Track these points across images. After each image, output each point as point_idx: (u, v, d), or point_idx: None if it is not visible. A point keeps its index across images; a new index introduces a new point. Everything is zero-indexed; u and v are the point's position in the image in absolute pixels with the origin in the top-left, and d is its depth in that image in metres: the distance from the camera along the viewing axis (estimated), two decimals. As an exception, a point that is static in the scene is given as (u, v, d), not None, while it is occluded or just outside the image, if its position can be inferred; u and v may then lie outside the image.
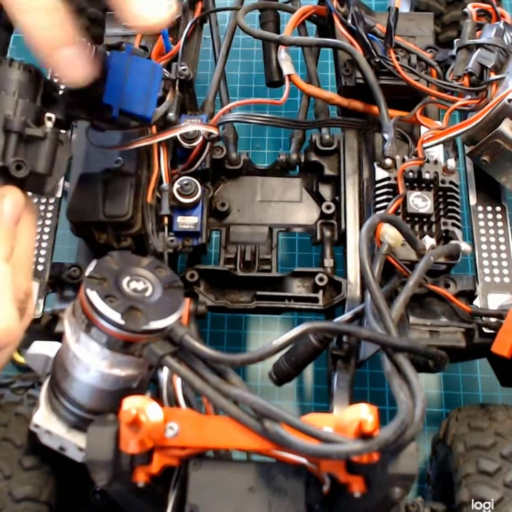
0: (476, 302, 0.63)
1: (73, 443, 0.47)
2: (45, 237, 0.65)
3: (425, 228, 0.61)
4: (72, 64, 0.45)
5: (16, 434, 0.52)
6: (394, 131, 0.64)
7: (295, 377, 0.60)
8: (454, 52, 0.68)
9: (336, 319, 0.60)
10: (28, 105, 0.47)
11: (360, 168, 0.70)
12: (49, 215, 0.67)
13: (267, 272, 0.68)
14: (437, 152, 0.67)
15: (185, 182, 0.65)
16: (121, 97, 0.51)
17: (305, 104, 0.78)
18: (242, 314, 0.84)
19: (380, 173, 0.63)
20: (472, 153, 0.65)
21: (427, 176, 0.62)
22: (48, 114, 0.47)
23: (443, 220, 0.61)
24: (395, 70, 0.66)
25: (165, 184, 0.64)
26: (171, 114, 0.67)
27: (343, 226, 0.68)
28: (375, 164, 0.64)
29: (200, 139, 0.66)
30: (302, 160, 0.73)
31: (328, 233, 0.70)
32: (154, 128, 0.63)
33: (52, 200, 0.68)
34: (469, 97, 0.65)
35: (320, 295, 0.66)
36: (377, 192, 0.63)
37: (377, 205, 0.62)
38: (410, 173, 0.62)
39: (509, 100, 0.60)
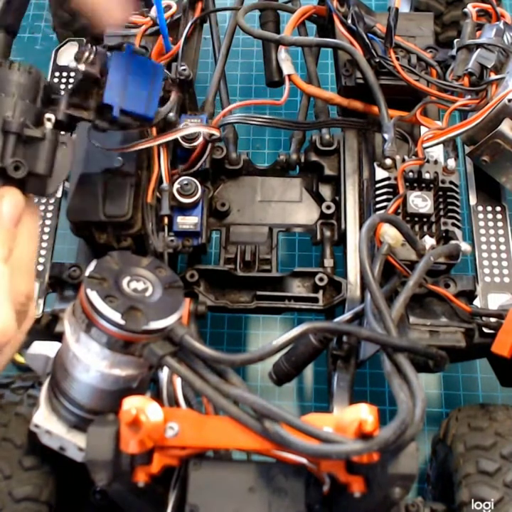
0: (476, 302, 0.63)
1: (73, 443, 0.47)
2: (45, 237, 0.65)
3: (425, 228, 0.61)
4: (114, 3, 0.46)
5: (16, 434, 0.52)
6: (394, 131, 0.64)
7: (295, 377, 0.60)
8: (454, 52, 0.68)
9: (336, 319, 0.60)
10: (27, 106, 0.47)
11: (360, 168, 0.70)
12: (49, 215, 0.67)
13: (267, 271, 0.68)
14: (437, 152, 0.67)
15: (185, 182, 0.64)
16: (122, 96, 0.51)
17: (305, 104, 0.78)
18: (242, 314, 0.84)
19: (380, 173, 0.63)
20: (472, 153, 0.65)
21: (427, 175, 0.62)
22: (47, 115, 0.47)
23: (443, 220, 0.61)
24: (395, 70, 0.66)
25: (165, 184, 0.64)
26: (171, 114, 0.67)
27: (343, 226, 0.68)
28: (375, 164, 0.64)
29: (201, 139, 0.66)
30: (302, 160, 0.73)
31: (328, 233, 0.70)
32: (154, 128, 0.63)
33: (52, 200, 0.68)
34: (469, 97, 0.65)
35: (320, 295, 0.66)
36: (377, 192, 0.63)
37: (377, 205, 0.62)
38: (410, 173, 0.62)
39: (509, 100, 0.60)
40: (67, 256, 0.70)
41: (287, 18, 0.74)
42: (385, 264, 0.56)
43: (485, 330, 0.60)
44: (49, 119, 0.47)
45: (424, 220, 0.61)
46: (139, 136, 0.62)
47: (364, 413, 0.39)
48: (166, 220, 0.64)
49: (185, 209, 0.65)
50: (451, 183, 0.62)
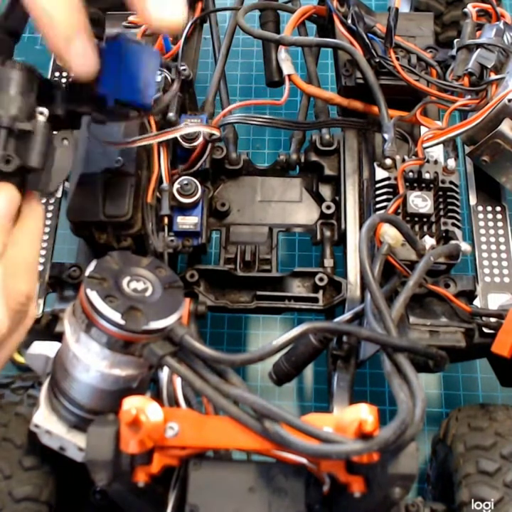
0: (476, 302, 0.63)
1: (73, 443, 0.47)
2: (45, 237, 0.65)
3: (425, 228, 0.61)
4: (84, 55, 0.45)
5: (16, 434, 0.52)
6: (394, 131, 0.64)
7: (295, 377, 0.60)
8: (454, 52, 0.68)
9: (336, 319, 0.60)
10: (20, 102, 0.46)
11: (360, 168, 0.70)
12: (49, 215, 0.67)
13: (267, 271, 0.68)
14: (437, 152, 0.67)
15: (185, 182, 0.64)
16: (116, 86, 0.50)
17: (305, 104, 0.78)
18: (242, 314, 0.84)
19: (380, 173, 0.63)
20: (472, 153, 0.65)
21: (427, 175, 0.62)
22: (39, 109, 0.47)
23: (443, 220, 0.61)
24: (395, 70, 0.66)
25: (165, 184, 0.64)
26: (171, 114, 0.67)
27: (343, 226, 0.68)
28: (375, 164, 0.64)
29: (201, 139, 0.66)
30: (302, 160, 0.73)
31: (328, 233, 0.70)
32: (153, 120, 0.63)
33: (52, 200, 0.68)
34: (469, 97, 0.65)
35: (320, 295, 0.66)
36: (377, 192, 0.63)
37: (377, 205, 0.62)
38: (410, 173, 0.62)
39: (509, 100, 0.60)
40: (67, 256, 0.70)
41: (287, 18, 0.74)
42: (385, 264, 0.56)
43: (485, 330, 0.60)
44: (41, 113, 0.47)
45: (424, 220, 0.61)
46: (139, 133, 0.62)
47: (364, 413, 0.39)
48: (166, 220, 0.64)
49: (185, 209, 0.65)
50: (451, 183, 0.62)
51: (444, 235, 0.60)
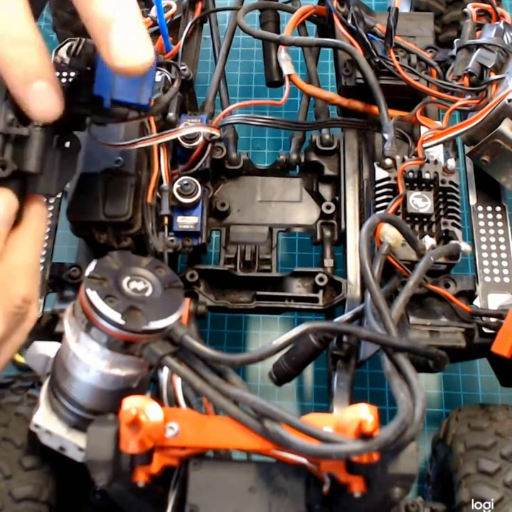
0: (476, 302, 0.63)
1: (73, 443, 0.47)
2: (45, 237, 0.65)
3: (425, 228, 0.61)
4: (43, 99, 0.43)
5: (15, 434, 0.52)
6: (394, 131, 0.64)
7: (295, 377, 0.60)
8: (454, 52, 0.68)
9: (336, 319, 0.60)
10: (16, 106, 0.46)
11: (360, 168, 0.70)
12: (49, 215, 0.67)
13: (267, 271, 0.68)
14: (437, 152, 0.67)
15: (185, 182, 0.65)
16: (112, 86, 0.50)
17: (305, 104, 0.78)
18: (242, 314, 0.84)
19: (380, 173, 0.63)
20: (472, 153, 0.65)
21: (427, 176, 0.62)
22: None
23: (443, 220, 0.61)
24: (395, 70, 0.66)
25: (165, 184, 0.64)
26: (171, 114, 0.67)
27: (343, 226, 0.68)
28: (375, 164, 0.64)
29: (201, 139, 0.66)
30: (302, 160, 0.73)
31: (328, 233, 0.70)
32: (153, 121, 0.63)
33: (52, 200, 0.68)
34: (469, 97, 0.65)
35: (320, 295, 0.66)
36: (377, 192, 0.63)
37: (377, 205, 0.62)
38: (410, 173, 0.62)
39: (509, 100, 0.60)
40: (67, 256, 0.70)
41: (287, 18, 0.74)
42: (385, 264, 0.56)
43: (485, 330, 0.60)
44: None
45: (424, 220, 0.61)
46: (139, 134, 0.62)
47: (364, 413, 0.39)
48: (166, 220, 0.64)
49: (185, 209, 0.65)
50: (451, 183, 0.62)
51: (444, 235, 0.60)
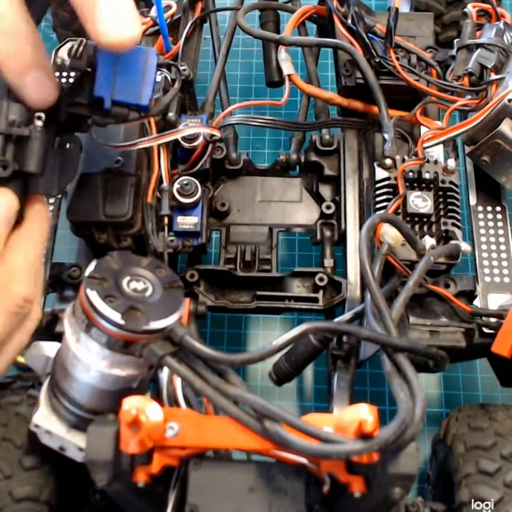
0: (476, 302, 0.63)
1: (73, 443, 0.47)
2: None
3: (425, 228, 0.61)
4: (38, 87, 0.44)
5: (16, 434, 0.52)
6: (394, 131, 0.64)
7: (295, 377, 0.60)
8: (454, 52, 0.68)
9: (336, 319, 0.60)
10: (17, 107, 0.46)
11: (360, 168, 0.70)
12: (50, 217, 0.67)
13: (267, 271, 0.68)
14: (437, 152, 0.67)
15: (185, 182, 0.65)
16: (112, 87, 0.50)
17: (305, 104, 0.78)
18: (242, 314, 0.84)
19: (380, 173, 0.63)
20: (472, 153, 0.65)
21: (427, 175, 0.62)
22: (37, 114, 0.47)
23: (443, 220, 0.61)
24: (395, 70, 0.66)
25: (165, 184, 0.64)
26: (171, 114, 0.67)
27: (343, 226, 0.68)
28: (375, 164, 0.64)
29: (201, 139, 0.66)
30: (302, 160, 0.73)
31: (328, 233, 0.70)
32: (153, 122, 0.63)
33: (52, 200, 0.68)
34: (469, 97, 0.65)
35: (320, 295, 0.66)
36: (377, 192, 0.63)
37: (377, 205, 0.62)
38: (410, 173, 0.62)
39: (509, 100, 0.60)
40: (67, 256, 0.69)
41: (287, 18, 0.74)
42: (385, 264, 0.56)
43: (485, 330, 0.60)
44: (39, 118, 0.47)
45: (424, 220, 0.61)
46: (139, 135, 0.62)
47: (364, 413, 0.39)
48: (166, 220, 0.64)
49: (185, 209, 0.65)
50: (451, 183, 0.62)
51: (444, 235, 0.60)
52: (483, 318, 0.60)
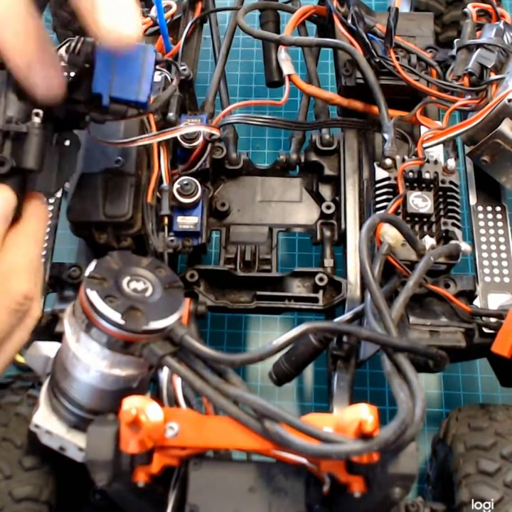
0: (476, 302, 0.63)
1: (73, 443, 0.47)
2: (45, 237, 0.65)
3: (425, 228, 0.61)
4: (46, 81, 0.44)
5: (16, 434, 0.52)
6: (394, 131, 0.64)
7: (295, 377, 0.60)
8: (454, 52, 0.68)
9: (336, 319, 0.60)
10: (15, 104, 0.46)
11: (360, 168, 0.70)
12: (49, 215, 0.67)
13: (267, 271, 0.68)
14: (437, 152, 0.67)
15: (185, 182, 0.65)
16: (110, 84, 0.50)
17: (305, 104, 0.78)
18: (242, 314, 0.84)
19: (380, 173, 0.63)
20: (472, 153, 0.65)
21: (427, 175, 0.62)
22: (35, 110, 0.47)
23: (443, 220, 0.61)
24: (395, 70, 0.66)
25: (165, 184, 0.64)
26: (171, 114, 0.67)
27: (343, 226, 0.68)
28: (375, 164, 0.64)
29: (201, 139, 0.66)
30: (302, 160, 0.73)
31: (328, 233, 0.70)
32: (152, 120, 0.63)
33: (52, 200, 0.68)
34: (469, 97, 0.65)
35: (320, 295, 0.66)
36: (377, 192, 0.63)
37: (377, 205, 0.62)
38: (410, 173, 0.62)
39: (509, 100, 0.60)
40: (67, 256, 0.69)
41: (287, 18, 0.74)
42: (385, 264, 0.56)
43: (485, 330, 0.60)
44: (37, 114, 0.47)
45: (424, 220, 0.61)
46: (139, 133, 0.62)
47: (364, 413, 0.39)
48: (166, 220, 0.64)
49: (185, 209, 0.65)
50: (451, 183, 0.62)
51: (444, 235, 0.60)
52: (483, 318, 0.60)
